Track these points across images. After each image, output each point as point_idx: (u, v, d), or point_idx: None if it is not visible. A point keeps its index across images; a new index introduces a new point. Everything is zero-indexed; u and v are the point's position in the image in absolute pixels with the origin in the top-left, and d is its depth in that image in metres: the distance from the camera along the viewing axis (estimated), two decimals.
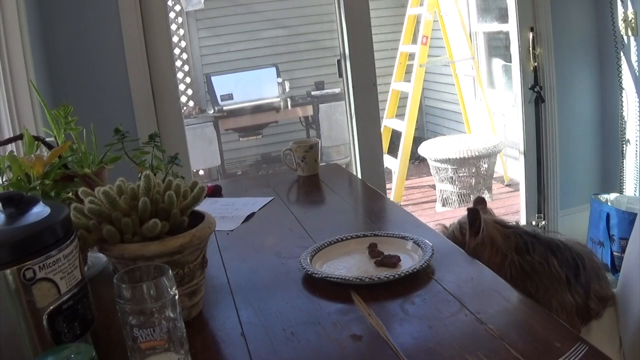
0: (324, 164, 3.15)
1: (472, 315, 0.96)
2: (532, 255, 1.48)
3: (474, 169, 4.47)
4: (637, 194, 3.17)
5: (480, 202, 1.62)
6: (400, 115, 4.88)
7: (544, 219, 3.36)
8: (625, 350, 1.40)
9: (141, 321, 0.77)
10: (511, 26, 3.23)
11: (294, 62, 6.08)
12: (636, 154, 3.14)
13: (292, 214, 1.60)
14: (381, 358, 0.88)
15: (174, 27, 5.82)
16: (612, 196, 3.12)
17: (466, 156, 4.39)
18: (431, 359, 0.86)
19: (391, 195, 4.57)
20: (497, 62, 5.20)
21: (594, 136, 3.39)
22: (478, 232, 1.47)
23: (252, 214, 1.61)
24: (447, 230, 1.56)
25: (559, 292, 1.45)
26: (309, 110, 5.80)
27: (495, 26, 5.10)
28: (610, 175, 3.37)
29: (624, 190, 3.27)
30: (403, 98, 4.93)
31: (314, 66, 6.06)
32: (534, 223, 3.35)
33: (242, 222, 1.55)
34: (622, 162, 3.26)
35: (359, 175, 3.00)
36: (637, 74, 3.06)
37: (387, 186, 3.82)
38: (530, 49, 3.15)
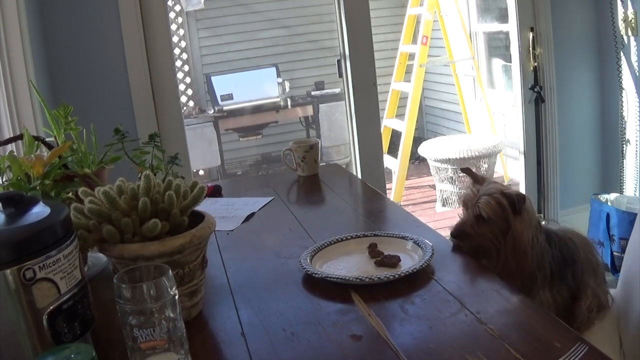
0: (324, 164, 3.15)
1: (472, 315, 0.96)
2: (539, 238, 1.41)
3: (474, 169, 4.46)
4: (637, 194, 3.16)
5: (469, 171, 1.50)
6: (400, 115, 4.88)
7: (544, 219, 3.35)
8: (625, 350, 1.40)
9: (141, 321, 0.77)
10: (511, 26, 3.23)
11: (294, 62, 6.07)
12: (636, 154, 3.14)
13: (292, 214, 1.60)
14: (381, 358, 0.88)
15: (174, 27, 5.82)
16: (612, 196, 3.11)
17: (466, 156, 4.38)
18: (431, 359, 0.86)
19: (391, 195, 4.57)
20: (497, 62, 5.20)
21: (594, 136, 3.39)
22: (520, 212, 1.36)
23: (252, 214, 1.61)
24: (478, 201, 1.36)
25: (542, 286, 1.40)
26: (309, 110, 5.80)
27: (495, 26, 5.10)
28: (610, 175, 3.37)
29: (624, 190, 3.27)
30: (403, 98, 4.92)
31: (314, 66, 6.05)
32: None
33: (242, 222, 1.55)
34: (622, 162, 3.26)
35: (359, 175, 3.00)
36: (637, 74, 3.06)
37: (387, 186, 3.82)
38: (530, 49, 3.15)
